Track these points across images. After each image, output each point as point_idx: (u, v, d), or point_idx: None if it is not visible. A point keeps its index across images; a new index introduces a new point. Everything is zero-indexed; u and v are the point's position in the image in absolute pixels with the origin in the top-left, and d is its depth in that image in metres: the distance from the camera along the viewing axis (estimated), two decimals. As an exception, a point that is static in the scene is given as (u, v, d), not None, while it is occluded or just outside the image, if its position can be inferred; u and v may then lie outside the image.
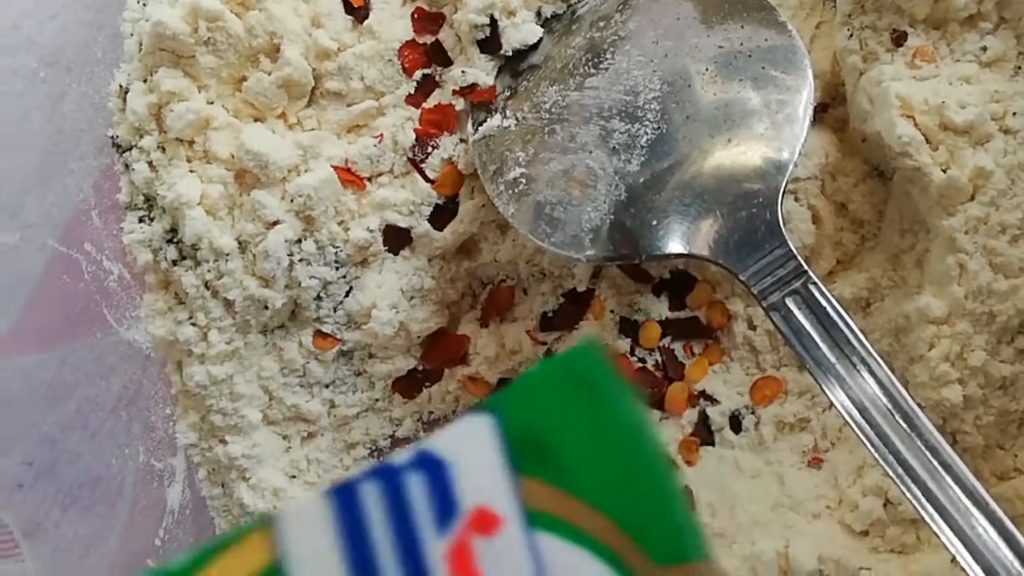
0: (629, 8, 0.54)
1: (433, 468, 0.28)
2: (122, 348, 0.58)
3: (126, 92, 0.56)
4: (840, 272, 0.57)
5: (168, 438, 0.59)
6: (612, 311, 0.58)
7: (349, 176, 0.56)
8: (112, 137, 0.57)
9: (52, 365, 0.58)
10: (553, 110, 0.54)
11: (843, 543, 0.53)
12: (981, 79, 0.51)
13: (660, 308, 0.57)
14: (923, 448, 0.44)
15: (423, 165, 0.56)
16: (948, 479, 0.44)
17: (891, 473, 0.44)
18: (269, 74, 0.55)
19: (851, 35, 0.53)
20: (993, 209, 0.50)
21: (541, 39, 0.55)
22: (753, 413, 0.57)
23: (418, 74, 0.57)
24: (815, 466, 0.56)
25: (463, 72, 0.55)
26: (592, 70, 0.54)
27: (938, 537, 0.43)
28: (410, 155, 0.56)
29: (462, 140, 0.56)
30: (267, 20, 0.54)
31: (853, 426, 0.45)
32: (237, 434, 0.57)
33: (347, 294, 0.57)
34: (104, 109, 0.57)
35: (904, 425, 0.45)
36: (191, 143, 0.55)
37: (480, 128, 0.55)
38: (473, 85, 0.55)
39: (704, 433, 0.57)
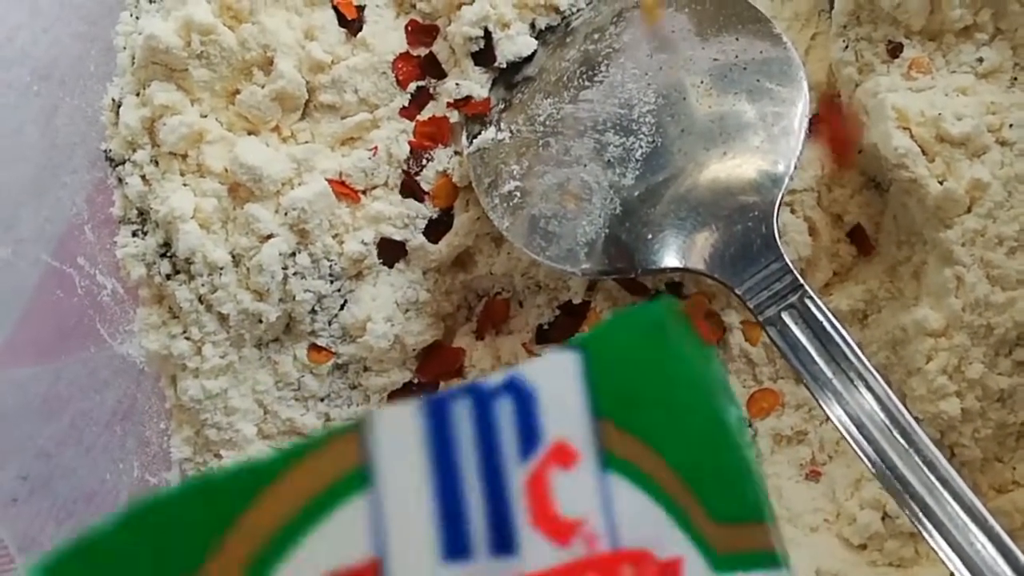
0: (623, 20, 0.54)
1: (522, 396, 0.29)
2: (116, 362, 0.58)
3: (119, 105, 0.56)
4: (837, 284, 0.56)
5: (163, 452, 0.59)
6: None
7: (343, 189, 0.55)
8: (105, 151, 0.56)
9: (46, 379, 0.58)
10: (548, 123, 0.53)
11: (841, 557, 0.53)
12: (977, 90, 0.51)
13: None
14: (920, 463, 0.44)
15: (418, 178, 0.56)
16: (946, 494, 0.44)
17: (889, 488, 0.44)
18: (262, 87, 0.55)
19: (847, 47, 0.53)
20: (990, 221, 0.49)
21: (535, 51, 0.55)
22: (750, 426, 0.57)
23: (412, 86, 0.56)
24: (813, 479, 0.56)
25: (457, 84, 0.55)
26: (587, 83, 0.53)
27: (936, 552, 0.43)
28: (404, 168, 0.56)
29: (456, 153, 0.56)
30: (260, 33, 0.54)
31: (850, 441, 0.45)
32: (232, 448, 0.57)
33: (342, 307, 0.57)
34: (97, 123, 0.57)
35: (901, 440, 0.44)
36: (184, 157, 0.55)
37: (475, 141, 0.55)
38: (467, 97, 0.55)
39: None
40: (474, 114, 0.55)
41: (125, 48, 0.56)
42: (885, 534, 0.52)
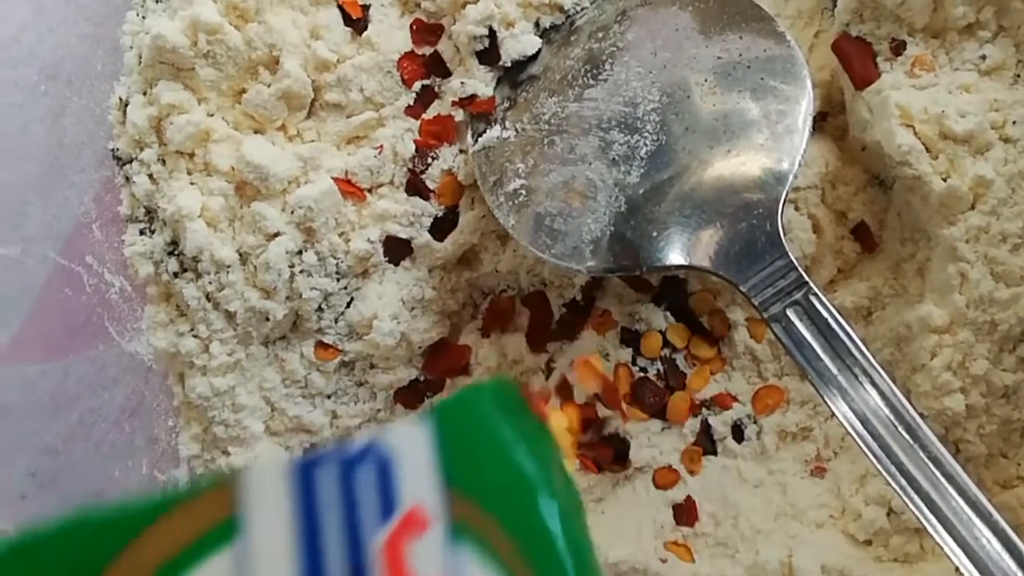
0: (627, 19, 0.54)
1: (382, 462, 0.31)
2: (124, 360, 0.58)
3: (126, 105, 0.56)
4: (841, 281, 0.57)
5: (171, 450, 0.59)
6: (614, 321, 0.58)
7: (349, 187, 0.56)
8: (113, 150, 0.57)
9: (55, 376, 0.58)
10: (552, 121, 0.54)
11: (846, 552, 0.53)
12: (980, 88, 0.51)
13: (660, 318, 0.57)
14: (926, 459, 0.44)
15: (423, 176, 0.56)
16: (951, 490, 0.44)
17: (894, 484, 0.44)
18: (269, 86, 0.55)
19: (850, 44, 0.53)
20: (994, 218, 0.50)
21: (540, 50, 0.55)
22: (755, 422, 0.57)
23: (417, 85, 0.57)
24: (818, 475, 0.56)
25: (462, 83, 0.55)
26: (591, 81, 0.53)
27: (941, 548, 0.43)
28: (410, 166, 0.56)
29: (462, 151, 0.56)
30: (266, 32, 0.54)
31: (855, 437, 0.45)
32: (239, 445, 0.57)
33: (348, 305, 0.57)
34: (104, 122, 0.57)
35: (906, 436, 0.45)
36: (191, 155, 0.55)
37: (480, 139, 0.55)
38: (472, 96, 0.55)
39: (706, 442, 0.57)
40: (479, 113, 0.55)
41: (132, 47, 0.56)
42: (890, 530, 0.53)
